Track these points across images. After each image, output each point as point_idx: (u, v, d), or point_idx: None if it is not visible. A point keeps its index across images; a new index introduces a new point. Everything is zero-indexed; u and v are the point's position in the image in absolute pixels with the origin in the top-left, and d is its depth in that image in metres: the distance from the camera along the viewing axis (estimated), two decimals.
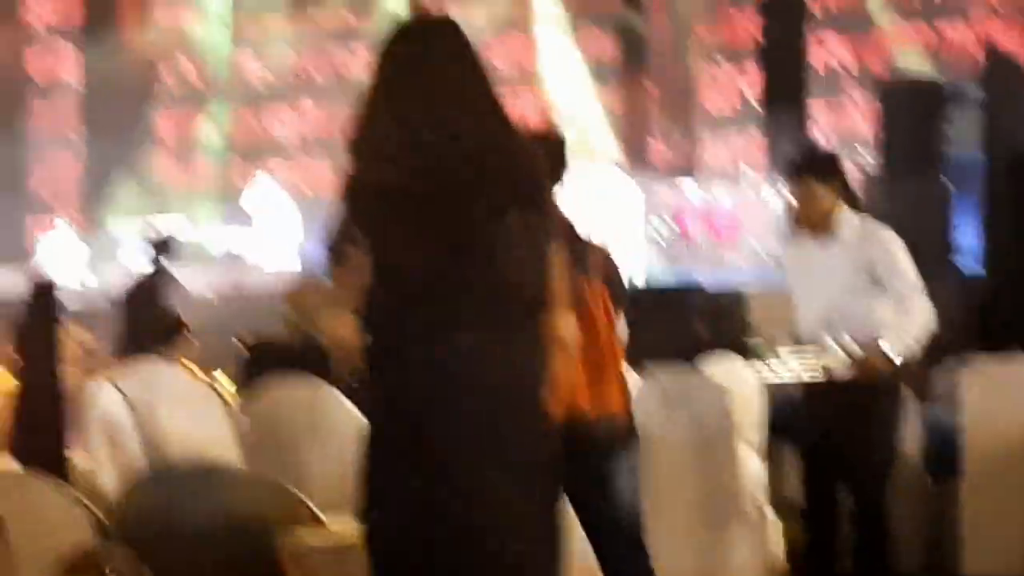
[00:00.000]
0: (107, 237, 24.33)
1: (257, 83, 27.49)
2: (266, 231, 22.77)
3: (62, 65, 27.23)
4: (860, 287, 7.21)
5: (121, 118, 26.50)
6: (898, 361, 7.02)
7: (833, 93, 24.23)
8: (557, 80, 25.79)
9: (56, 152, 27.00)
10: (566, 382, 4.64)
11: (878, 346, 7.01)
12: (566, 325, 4.62)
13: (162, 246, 12.73)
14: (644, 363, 10.60)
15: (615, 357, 5.88)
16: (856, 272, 7.22)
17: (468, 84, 4.79)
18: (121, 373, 9.97)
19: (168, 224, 24.06)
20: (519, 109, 25.40)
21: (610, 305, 5.87)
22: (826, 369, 7.13)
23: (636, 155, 24.27)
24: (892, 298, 7.12)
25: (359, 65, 26.53)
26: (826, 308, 7.27)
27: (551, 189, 4.99)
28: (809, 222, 7.36)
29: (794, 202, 7.53)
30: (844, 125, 24.11)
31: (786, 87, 24.24)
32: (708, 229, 22.29)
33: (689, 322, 11.61)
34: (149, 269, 12.58)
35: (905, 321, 7.07)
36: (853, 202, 7.39)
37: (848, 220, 7.26)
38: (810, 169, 7.46)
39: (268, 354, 8.50)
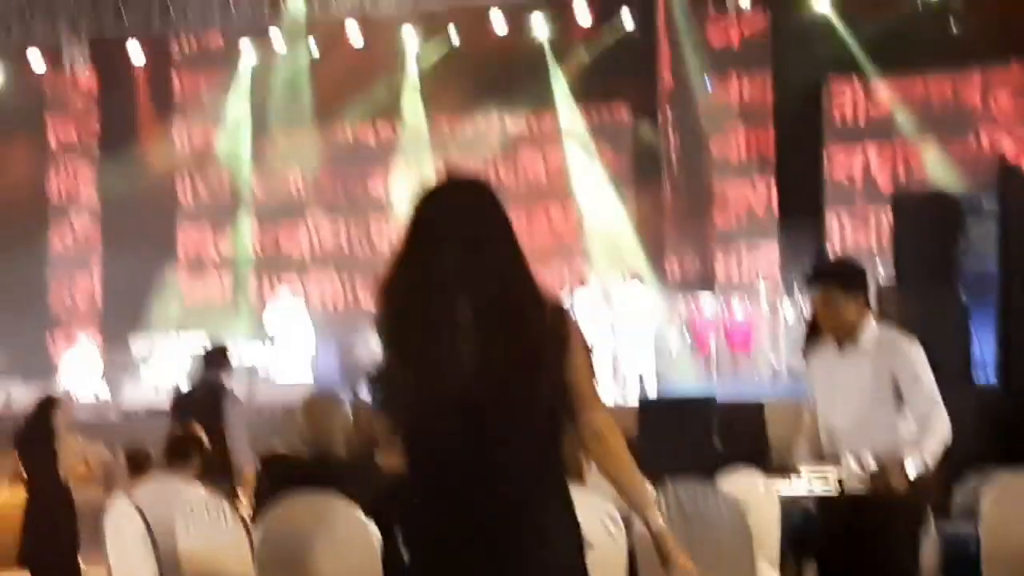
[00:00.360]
0: (128, 352, 24.39)
1: (278, 198, 27.68)
2: (283, 345, 22.83)
3: (82, 183, 27.44)
4: (882, 398, 7.16)
5: (141, 234, 26.69)
6: (913, 476, 6.97)
7: (848, 205, 24.33)
8: (583, 193, 25.96)
9: (76, 269, 27.15)
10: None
11: (896, 462, 6.99)
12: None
13: (213, 357, 12.59)
14: (660, 476, 10.57)
15: None
16: (878, 382, 7.17)
17: (499, 252, 4.78)
18: (138, 488, 9.96)
19: (189, 339, 24.26)
20: (551, 222, 25.63)
21: None
22: (842, 483, 7.08)
23: (652, 267, 24.34)
24: (912, 410, 7.09)
25: (379, 181, 26.78)
26: (848, 418, 7.22)
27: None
28: (833, 332, 7.35)
29: (817, 311, 7.49)
30: (859, 237, 24.17)
31: (802, 199, 24.37)
32: (724, 341, 22.33)
33: (705, 434, 11.56)
34: (199, 381, 12.49)
35: (924, 436, 6.98)
36: (875, 313, 7.37)
37: (872, 330, 7.26)
38: (836, 278, 7.37)
39: (282, 468, 8.50)
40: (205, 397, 12.22)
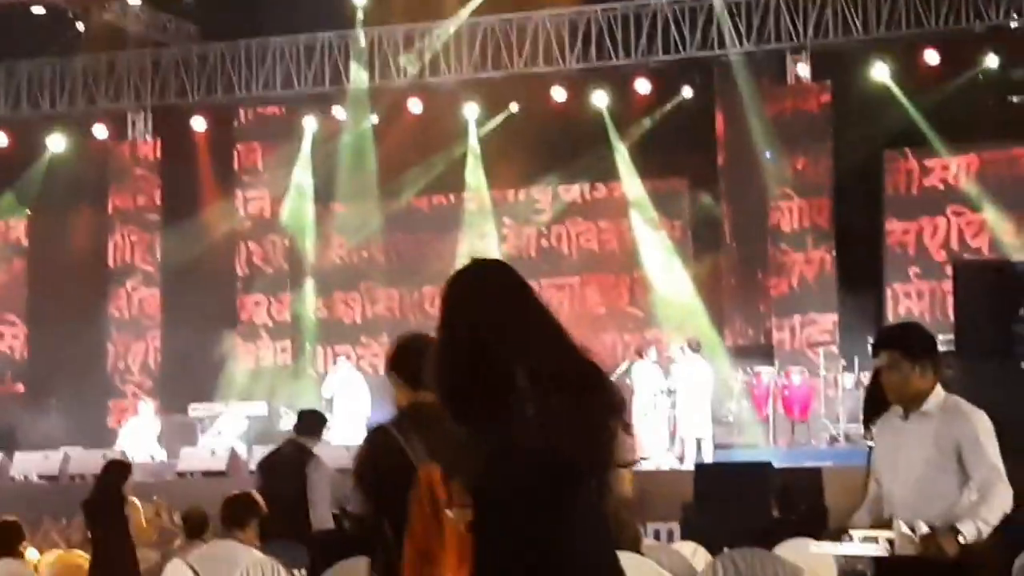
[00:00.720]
0: (186, 417, 24.50)
1: (337, 266, 27.84)
2: (340, 408, 22.91)
3: (142, 251, 27.63)
4: (944, 466, 7.01)
5: (201, 301, 26.86)
6: (965, 542, 6.89)
7: (907, 274, 24.25)
8: (644, 262, 25.98)
9: (135, 335, 27.32)
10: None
11: (948, 526, 6.92)
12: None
13: (306, 422, 12.49)
14: (718, 541, 10.54)
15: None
16: (940, 450, 7.03)
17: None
18: (195, 551, 10.02)
19: (248, 408, 24.38)
20: (611, 290, 25.66)
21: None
22: (892, 545, 7.00)
23: (711, 334, 24.29)
24: (973, 479, 7.01)
25: (440, 250, 26.92)
26: (910, 486, 7.09)
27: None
28: (898, 398, 7.21)
29: (883, 378, 7.42)
30: (917, 305, 24.08)
31: (860, 268, 24.30)
32: (782, 407, 22.26)
33: (762, 499, 11.52)
34: (287, 443, 12.39)
35: (981, 503, 6.87)
36: (943, 381, 7.29)
37: (937, 397, 7.12)
38: (902, 345, 7.24)
39: (336, 533, 8.55)
40: (291, 459, 12.18)
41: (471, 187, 26.94)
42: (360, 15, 25.99)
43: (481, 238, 26.93)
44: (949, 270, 19.76)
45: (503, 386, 4.37)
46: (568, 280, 26.63)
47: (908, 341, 7.24)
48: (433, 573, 4.78)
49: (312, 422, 12.66)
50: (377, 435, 6.15)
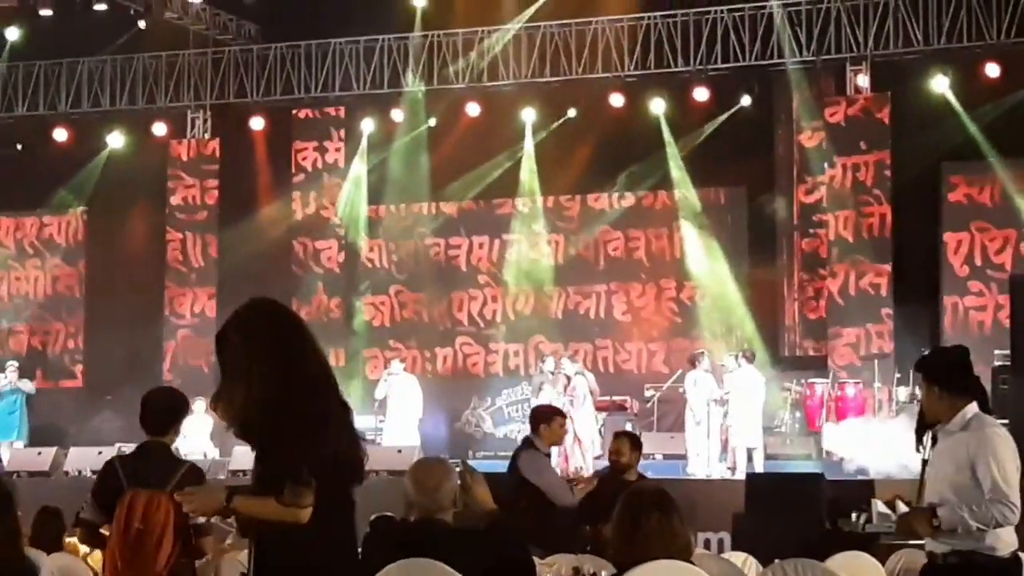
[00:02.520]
0: None
1: (390, 269, 27.96)
2: (392, 412, 22.98)
3: (200, 249, 27.76)
4: (960, 482, 7.25)
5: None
6: (937, 524, 7.15)
7: (965, 286, 24.11)
8: (697, 270, 25.97)
9: (192, 332, 27.43)
10: None
11: (927, 509, 7.27)
12: None
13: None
14: (768, 552, 10.50)
15: None
16: (957, 468, 7.27)
17: None
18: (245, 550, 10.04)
19: None
20: (666, 298, 25.64)
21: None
22: (868, 524, 7.32)
23: (765, 344, 24.24)
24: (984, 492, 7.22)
25: (483, 253, 27.03)
26: (936, 500, 7.32)
27: None
28: (932, 419, 7.54)
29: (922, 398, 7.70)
30: (975, 318, 23.94)
31: (918, 280, 24.19)
32: (835, 418, 22.16)
33: (813, 509, 11.48)
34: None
35: (972, 505, 7.13)
36: (981, 400, 7.44)
37: (963, 417, 7.33)
38: (931, 370, 7.58)
39: (388, 533, 8.53)
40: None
41: (524, 192, 26.98)
42: (419, 18, 26.06)
43: (533, 245, 27.00)
44: (1009, 282, 19.59)
45: None
46: (617, 287, 26.64)
47: (934, 366, 7.61)
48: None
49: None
50: (106, 465, 7.93)
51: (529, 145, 26.72)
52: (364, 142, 27.48)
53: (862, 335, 23.87)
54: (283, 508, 5.59)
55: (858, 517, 10.66)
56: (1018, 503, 7.19)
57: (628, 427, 23.59)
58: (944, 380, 7.45)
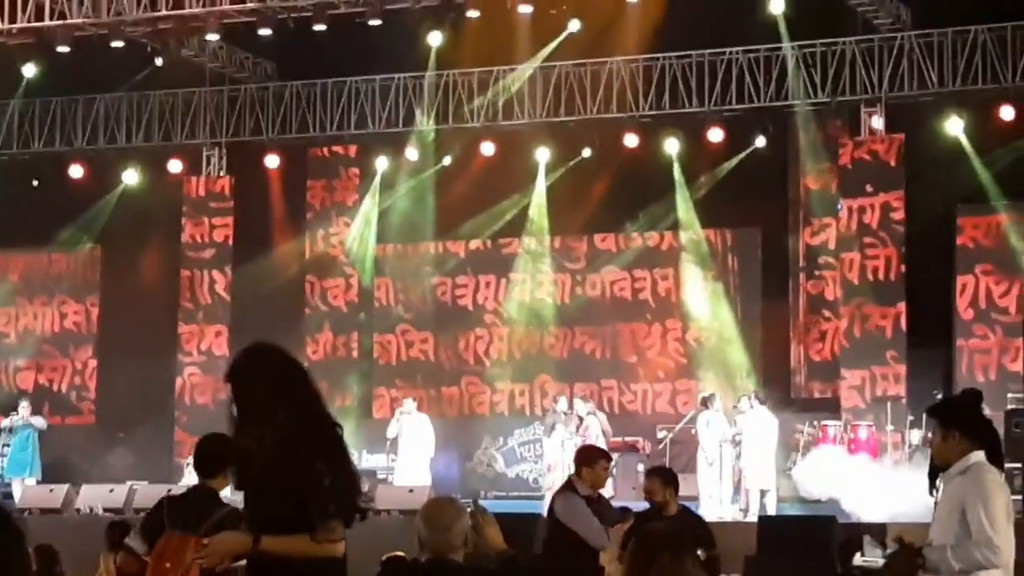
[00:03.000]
0: None
1: (397, 308, 28.01)
2: (404, 451, 22.96)
3: (213, 285, 27.79)
4: (951, 525, 7.36)
5: (269, 337, 26.96)
6: (922, 563, 7.28)
7: (979, 330, 24.05)
8: (704, 313, 26.00)
9: (204, 370, 27.42)
10: None
11: (914, 549, 7.37)
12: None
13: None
14: None
15: None
16: (950, 510, 7.38)
17: None
18: None
19: None
20: (676, 340, 25.63)
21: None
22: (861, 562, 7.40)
23: (777, 386, 24.20)
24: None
25: (490, 293, 27.10)
26: (935, 541, 7.42)
27: None
28: (940, 461, 7.61)
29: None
30: (988, 361, 23.87)
31: (931, 323, 24.13)
32: (846, 460, 22.09)
33: (825, 552, 11.45)
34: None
35: (957, 548, 7.25)
36: (990, 448, 7.58)
37: (963, 463, 7.46)
38: (936, 415, 7.74)
39: (399, 573, 8.52)
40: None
41: (532, 231, 27.04)
42: (433, 58, 26.11)
43: (539, 285, 27.06)
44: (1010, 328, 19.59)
45: None
46: (622, 327, 26.66)
47: (938, 412, 7.77)
48: None
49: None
50: (157, 502, 8.23)
51: (541, 185, 26.77)
52: (377, 181, 27.54)
53: (867, 377, 23.82)
54: (318, 545, 5.77)
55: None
56: (1004, 548, 7.28)
57: (640, 468, 23.59)
58: (955, 426, 7.52)
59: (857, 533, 12.72)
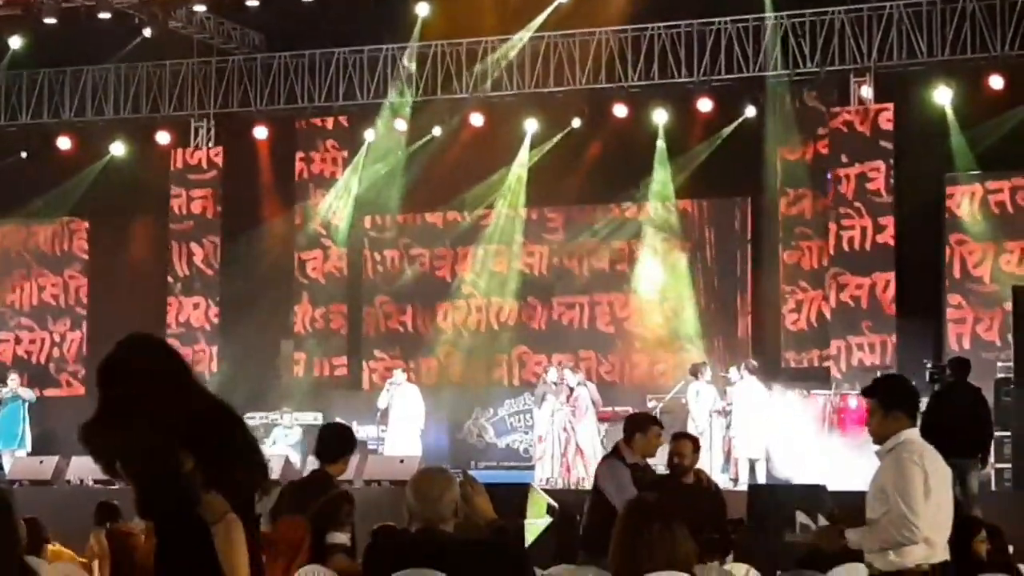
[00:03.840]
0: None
1: (386, 278, 28.03)
2: (395, 421, 22.99)
3: (202, 257, 27.77)
4: (874, 504, 7.62)
5: (259, 310, 27.01)
6: (843, 539, 7.66)
7: (967, 299, 24.08)
8: (676, 283, 26.06)
9: (193, 343, 27.42)
10: None
11: (837, 528, 7.76)
12: None
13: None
14: (771, 563, 10.50)
15: None
16: (879, 491, 7.61)
17: None
18: None
19: (303, 418, 24.46)
20: (669, 313, 25.63)
21: None
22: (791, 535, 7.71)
23: (767, 355, 24.24)
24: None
25: (463, 263, 27.17)
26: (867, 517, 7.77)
27: None
28: (874, 439, 7.86)
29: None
30: (977, 330, 23.92)
31: (921, 292, 24.17)
32: (839, 430, 22.13)
33: (814, 520, 11.47)
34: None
35: (874, 527, 7.55)
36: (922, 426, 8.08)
37: (892, 442, 7.68)
38: (873, 393, 7.92)
39: (389, 543, 8.54)
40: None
41: (511, 203, 27.05)
42: (418, 28, 26.03)
43: (516, 256, 27.11)
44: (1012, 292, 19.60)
45: None
46: (600, 298, 26.71)
47: (875, 390, 7.98)
48: None
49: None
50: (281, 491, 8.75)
51: (523, 155, 26.73)
52: (363, 152, 27.50)
53: (864, 345, 23.85)
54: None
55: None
56: (921, 524, 7.47)
57: None
58: (893, 405, 7.75)
59: (848, 501, 12.77)
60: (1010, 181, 24.07)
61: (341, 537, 8.63)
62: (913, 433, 7.74)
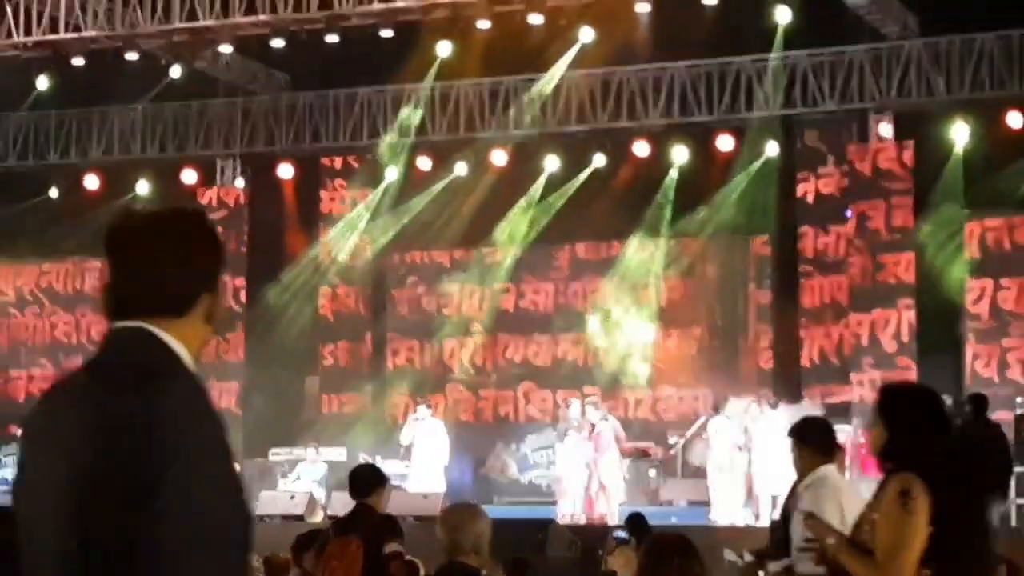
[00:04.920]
0: (267, 462, 24.72)
1: (415, 314, 28.22)
2: (418, 457, 23.06)
3: (229, 294, 27.91)
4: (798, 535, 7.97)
5: (283, 346, 27.20)
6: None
7: (988, 334, 24.16)
8: (699, 317, 26.16)
9: (218, 379, 27.56)
10: None
11: (758, 563, 8.59)
12: None
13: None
14: None
15: None
16: (798, 522, 7.87)
17: None
18: None
19: (328, 454, 24.57)
20: (689, 347, 25.73)
21: None
22: None
23: (790, 391, 24.29)
24: None
25: (475, 301, 27.35)
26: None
27: None
28: (798, 475, 8.45)
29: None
30: (997, 366, 23.98)
31: (941, 329, 24.23)
32: (858, 465, 22.19)
33: None
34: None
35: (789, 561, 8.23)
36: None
37: (811, 476, 8.25)
38: (793, 433, 8.53)
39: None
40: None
41: (515, 240, 27.23)
42: (435, 68, 26.18)
43: (521, 294, 27.32)
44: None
45: None
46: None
47: (798, 431, 8.56)
48: None
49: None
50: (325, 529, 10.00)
51: (536, 193, 26.90)
52: (379, 191, 27.66)
53: (884, 380, 23.90)
54: None
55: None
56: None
57: (652, 474, 23.73)
58: (807, 444, 8.37)
59: None
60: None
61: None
62: (828, 469, 8.26)
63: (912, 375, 23.72)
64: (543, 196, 27.01)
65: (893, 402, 5.81)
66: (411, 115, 26.22)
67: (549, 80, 25.50)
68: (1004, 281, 24.27)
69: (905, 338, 24.02)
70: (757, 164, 25.55)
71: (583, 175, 26.48)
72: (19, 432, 3.52)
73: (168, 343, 3.32)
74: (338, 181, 28.21)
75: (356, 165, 28.03)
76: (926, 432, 5.56)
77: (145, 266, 3.34)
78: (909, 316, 24.04)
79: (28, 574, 3.20)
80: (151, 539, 3.01)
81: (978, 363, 24.13)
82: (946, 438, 5.55)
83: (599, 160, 26.28)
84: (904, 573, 4.99)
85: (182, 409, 3.15)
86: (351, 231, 27.90)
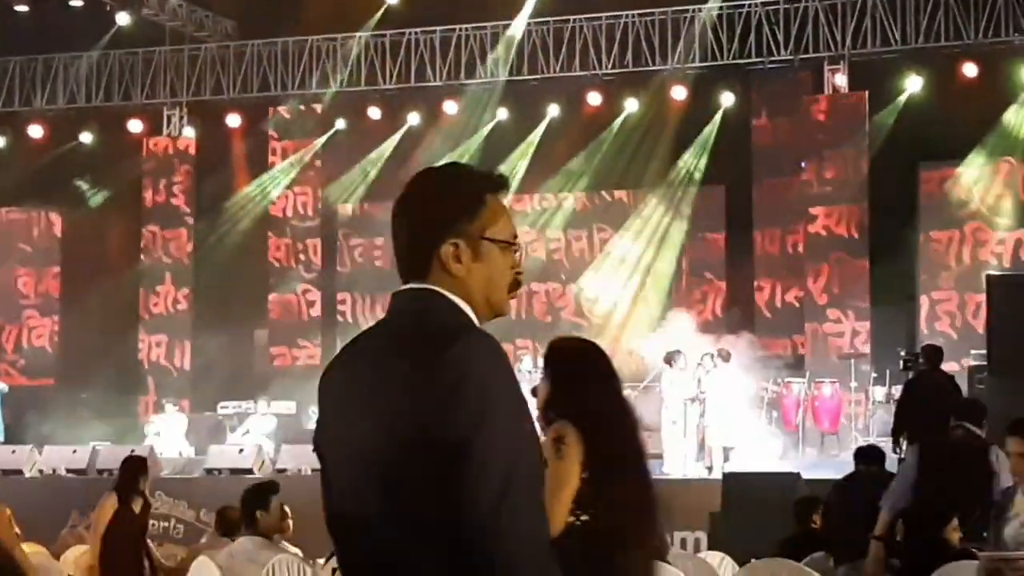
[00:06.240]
0: (216, 416, 24.54)
1: (362, 266, 27.98)
2: None
3: (175, 246, 27.65)
4: None
5: (232, 298, 26.94)
6: None
7: (940, 286, 24.15)
8: (660, 269, 26.06)
9: (167, 331, 27.35)
10: None
11: None
12: None
13: None
14: (745, 551, 10.50)
15: None
16: None
17: None
18: (220, 550, 10.02)
19: (278, 407, 24.38)
20: (639, 298, 25.65)
21: None
22: None
23: (742, 343, 24.23)
24: None
25: None
26: None
27: None
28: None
29: None
30: (951, 319, 23.98)
31: (895, 280, 24.21)
32: (811, 418, 22.17)
33: (790, 511, 11.47)
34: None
35: None
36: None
37: None
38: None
39: None
40: None
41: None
42: (379, 16, 25.91)
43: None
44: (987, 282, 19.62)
45: None
46: (536, 287, 26.72)
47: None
48: None
49: None
50: None
51: (476, 143, 26.62)
52: (323, 139, 27.37)
53: (838, 333, 23.88)
54: None
55: None
56: None
57: None
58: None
59: (821, 491, 12.81)
60: (989, 164, 24.14)
61: None
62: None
63: (867, 327, 23.69)
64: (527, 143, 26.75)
65: (555, 355, 5.86)
66: (360, 63, 25.95)
67: (520, 28, 25.27)
68: (956, 232, 24.25)
69: (859, 290, 23.93)
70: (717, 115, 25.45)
71: (540, 127, 26.28)
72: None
73: (455, 301, 3.46)
74: (286, 130, 27.83)
75: (306, 114, 27.65)
76: (587, 383, 5.54)
77: (407, 229, 3.74)
78: (864, 267, 23.95)
79: (336, 532, 3.31)
80: (461, 498, 3.08)
81: (932, 314, 24.11)
82: (607, 387, 5.52)
83: (553, 110, 26.07)
84: (556, 518, 4.94)
85: (486, 365, 3.23)
86: (300, 181, 27.57)
